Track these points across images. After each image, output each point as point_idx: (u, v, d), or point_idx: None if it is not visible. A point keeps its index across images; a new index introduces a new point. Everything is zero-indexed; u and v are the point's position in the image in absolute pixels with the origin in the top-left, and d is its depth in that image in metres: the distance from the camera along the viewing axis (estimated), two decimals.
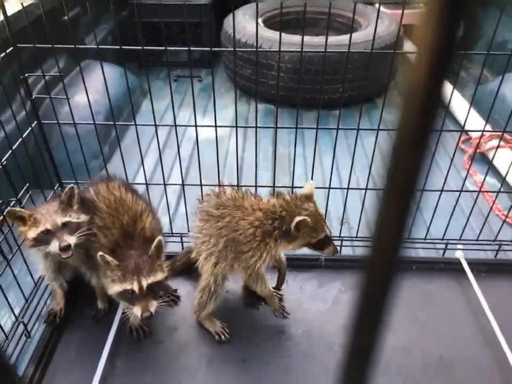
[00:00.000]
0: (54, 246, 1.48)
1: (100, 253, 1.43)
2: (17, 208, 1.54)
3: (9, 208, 1.53)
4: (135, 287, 1.43)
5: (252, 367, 1.63)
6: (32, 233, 1.50)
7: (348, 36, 1.62)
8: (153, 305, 1.45)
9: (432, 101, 0.22)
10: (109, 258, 1.43)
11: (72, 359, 1.65)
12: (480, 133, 1.91)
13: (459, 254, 2.01)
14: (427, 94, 0.22)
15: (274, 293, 1.78)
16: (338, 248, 2.08)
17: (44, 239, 1.49)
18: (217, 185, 1.92)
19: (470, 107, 1.77)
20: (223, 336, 1.71)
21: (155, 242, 1.48)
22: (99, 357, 1.59)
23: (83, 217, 1.56)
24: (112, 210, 1.59)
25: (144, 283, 1.43)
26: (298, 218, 1.47)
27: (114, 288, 1.47)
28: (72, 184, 1.58)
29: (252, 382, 1.58)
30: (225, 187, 1.67)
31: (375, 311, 0.27)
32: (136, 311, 1.44)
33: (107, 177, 1.76)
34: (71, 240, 1.49)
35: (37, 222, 1.50)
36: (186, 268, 1.92)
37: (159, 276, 1.49)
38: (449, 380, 1.59)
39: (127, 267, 1.44)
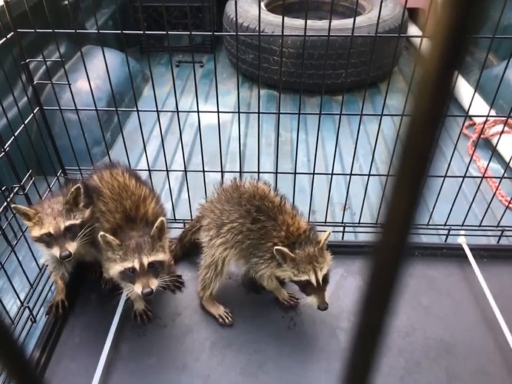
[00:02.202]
0: (55, 252, 1.51)
1: (101, 233, 1.45)
2: (23, 206, 1.54)
3: (14, 205, 1.54)
4: (136, 264, 1.44)
5: (254, 351, 1.65)
6: (36, 232, 1.52)
7: (352, 19, 1.60)
8: (154, 283, 1.46)
9: (446, 87, 0.22)
10: (110, 237, 1.45)
11: (78, 343, 1.67)
12: (485, 118, 1.90)
13: (461, 240, 2.02)
14: (440, 81, 0.22)
15: (291, 298, 1.82)
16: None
17: (46, 241, 1.52)
18: (220, 171, 1.92)
19: (474, 92, 1.75)
20: (226, 320, 1.74)
21: (157, 223, 1.49)
22: (104, 341, 1.61)
23: (87, 213, 1.58)
24: (115, 195, 1.60)
25: (145, 261, 1.45)
26: (276, 247, 1.51)
27: (115, 268, 1.48)
28: (78, 184, 1.57)
29: (254, 365, 1.60)
30: (260, 185, 1.69)
31: (384, 295, 0.27)
32: (137, 288, 1.45)
33: (111, 163, 1.77)
34: (72, 248, 1.51)
35: (41, 222, 1.51)
36: (193, 246, 1.94)
37: (161, 256, 1.50)
38: (450, 362, 1.61)
39: (128, 246, 1.45)
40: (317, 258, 1.52)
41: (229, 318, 1.74)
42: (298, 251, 1.52)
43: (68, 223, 1.52)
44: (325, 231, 2.11)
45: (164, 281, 1.53)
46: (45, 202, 1.58)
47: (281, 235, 1.57)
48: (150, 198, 1.65)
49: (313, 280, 1.51)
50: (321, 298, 1.54)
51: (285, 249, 1.50)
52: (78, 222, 1.54)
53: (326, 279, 1.56)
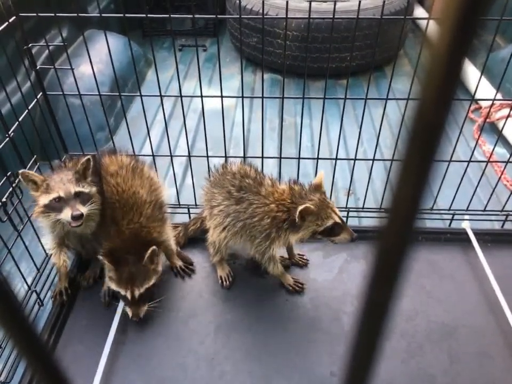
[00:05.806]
0: (66, 214, 1.48)
1: (100, 257, 1.55)
2: (31, 172, 1.54)
3: (22, 170, 1.53)
4: (128, 295, 1.57)
5: (258, 334, 1.67)
6: (44, 199, 1.50)
7: (357, 1, 1.58)
8: (143, 311, 1.62)
9: (454, 71, 0.22)
10: (107, 263, 1.54)
11: (85, 326, 1.70)
12: (491, 102, 1.88)
13: (465, 225, 2.02)
14: (448, 64, 0.21)
15: (299, 259, 1.90)
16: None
17: (55, 206, 1.50)
18: (224, 156, 1.92)
19: (481, 75, 1.73)
20: (224, 283, 1.82)
21: (148, 253, 1.55)
22: (110, 324, 1.64)
23: (94, 190, 1.58)
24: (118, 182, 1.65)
25: (137, 293, 1.57)
26: (300, 207, 1.51)
27: (110, 284, 1.60)
28: (89, 156, 1.58)
29: (258, 348, 1.63)
30: (243, 166, 1.71)
31: (389, 279, 0.27)
32: (128, 312, 1.62)
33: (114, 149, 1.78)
34: (83, 210, 1.50)
35: (49, 189, 1.50)
36: (198, 234, 1.96)
37: (152, 281, 1.61)
38: (452, 345, 1.62)
39: (122, 275, 1.55)
40: (325, 200, 1.57)
41: (227, 282, 1.82)
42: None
43: (77, 189, 1.51)
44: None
45: (152, 304, 1.65)
46: (53, 174, 1.59)
47: (272, 208, 1.57)
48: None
49: (338, 219, 1.56)
50: (349, 231, 1.59)
51: (307, 205, 1.51)
52: (87, 191, 1.54)
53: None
